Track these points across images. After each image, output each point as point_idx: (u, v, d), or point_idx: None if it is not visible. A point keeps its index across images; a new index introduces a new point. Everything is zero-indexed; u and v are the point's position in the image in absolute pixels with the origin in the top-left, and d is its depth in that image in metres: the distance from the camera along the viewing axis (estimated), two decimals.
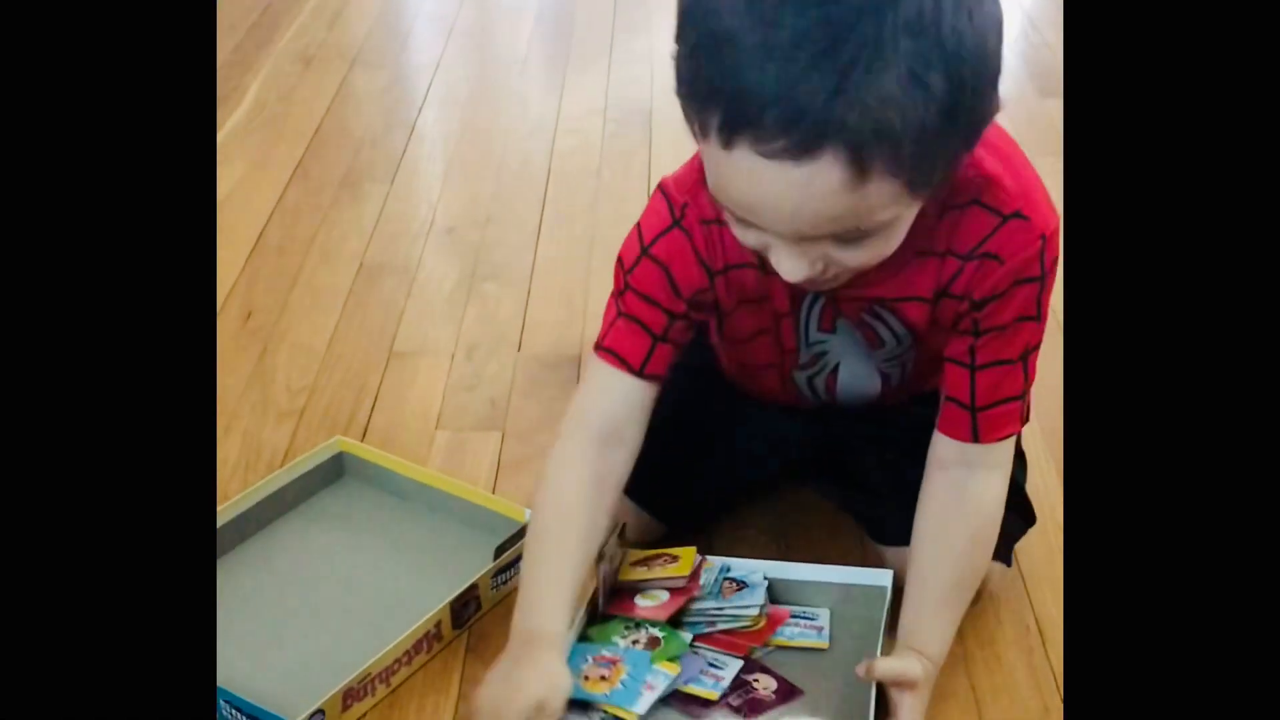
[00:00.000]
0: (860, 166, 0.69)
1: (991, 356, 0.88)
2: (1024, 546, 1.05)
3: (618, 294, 0.93)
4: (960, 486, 0.91)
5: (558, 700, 0.84)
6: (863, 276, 0.83)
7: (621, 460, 0.93)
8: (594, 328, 1.37)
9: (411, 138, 1.84)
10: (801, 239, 0.76)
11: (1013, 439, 0.92)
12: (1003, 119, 0.78)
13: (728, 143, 0.71)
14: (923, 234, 0.83)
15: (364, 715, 0.92)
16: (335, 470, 1.14)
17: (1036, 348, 0.89)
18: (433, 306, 1.43)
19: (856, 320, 0.93)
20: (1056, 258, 0.85)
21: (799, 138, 0.68)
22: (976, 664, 0.97)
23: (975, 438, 0.89)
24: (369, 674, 0.91)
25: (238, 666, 0.93)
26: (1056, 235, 0.85)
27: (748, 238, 0.80)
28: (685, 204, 0.88)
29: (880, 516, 1.04)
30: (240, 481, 1.15)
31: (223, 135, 1.82)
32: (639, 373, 0.91)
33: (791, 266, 0.78)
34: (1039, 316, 0.87)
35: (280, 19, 2.24)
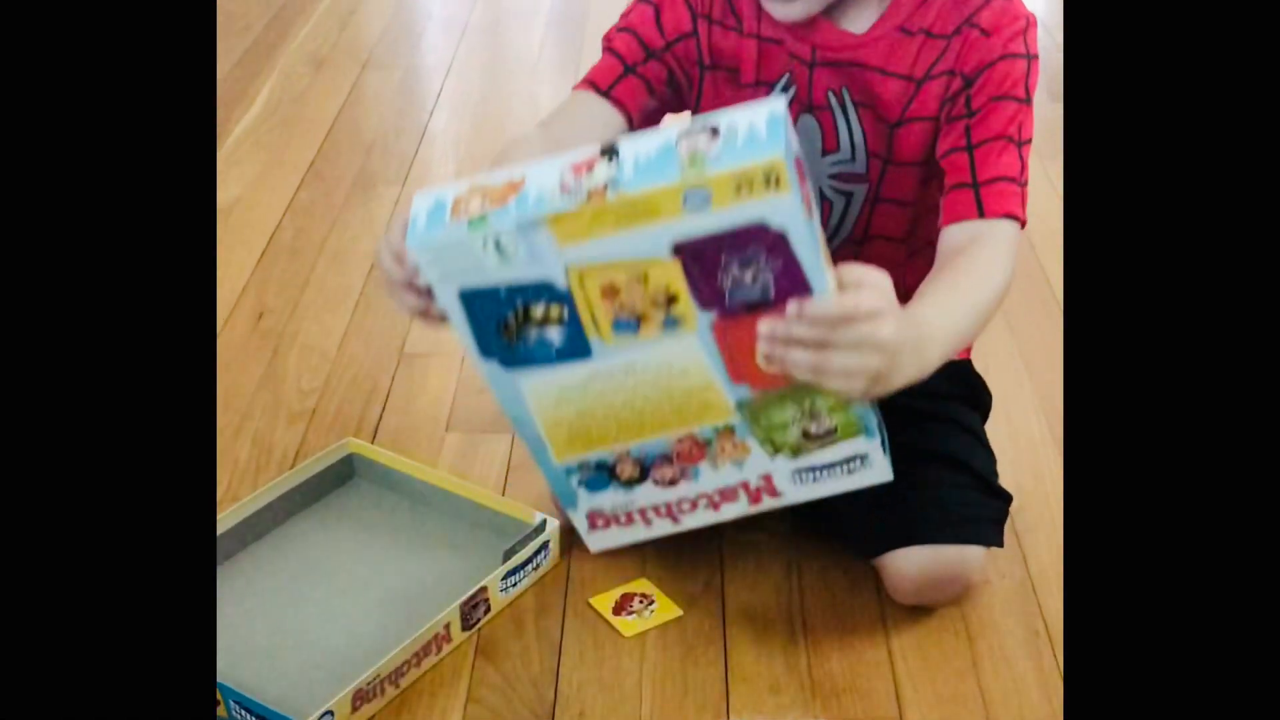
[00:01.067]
0: None
1: (986, 133, 0.89)
2: (1032, 550, 1.06)
3: (606, 39, 0.97)
4: (970, 255, 0.88)
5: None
6: (845, 37, 0.89)
7: None
8: None
9: (424, 139, 1.85)
10: None
11: (1015, 228, 0.89)
12: None
13: None
14: (908, 10, 0.89)
15: (373, 716, 0.92)
16: (346, 471, 1.14)
17: (1029, 141, 0.90)
18: None
19: (823, 104, 0.92)
20: (1037, 53, 0.90)
21: None
22: (985, 668, 0.96)
23: (980, 212, 0.88)
24: (379, 675, 0.91)
25: (248, 666, 0.94)
26: (1035, 25, 0.90)
27: None
28: None
29: (851, 527, 1.01)
30: (251, 483, 1.15)
31: (235, 136, 1.83)
32: (604, 93, 0.94)
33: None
34: (1028, 98, 0.89)
35: (293, 21, 2.25)
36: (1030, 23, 0.89)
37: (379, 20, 2.29)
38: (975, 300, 0.86)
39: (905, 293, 0.83)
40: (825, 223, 0.95)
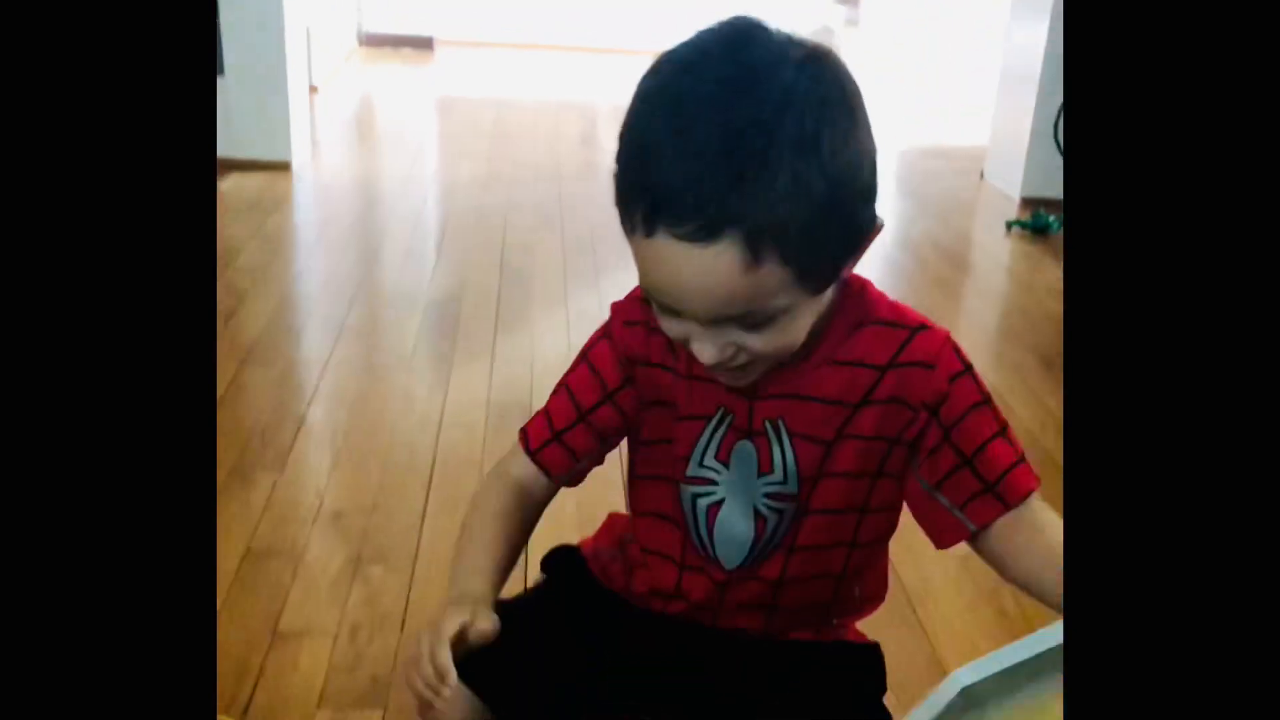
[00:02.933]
0: (755, 252, 0.85)
1: (977, 442, 0.98)
2: None
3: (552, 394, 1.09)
4: (1028, 525, 0.97)
5: (485, 621, 0.95)
6: (780, 376, 0.98)
7: (533, 510, 1.08)
8: None
9: (300, 430, 1.92)
10: (713, 322, 0.90)
11: (1037, 499, 0.99)
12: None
13: (649, 231, 0.86)
14: (834, 346, 0.99)
15: None
16: None
17: (1006, 428, 1.00)
18: (318, 589, 1.48)
19: (760, 430, 1.01)
20: (969, 361, 0.99)
21: (703, 223, 0.84)
22: None
23: (1005, 505, 0.98)
24: None
25: None
26: (951, 338, 1.00)
27: (671, 328, 0.93)
28: (615, 316, 1.06)
29: None
30: None
31: None
32: (531, 454, 1.06)
33: (706, 349, 0.92)
34: (988, 399, 0.99)
35: None
36: (949, 339, 1.00)
37: (260, 318, 2.40)
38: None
39: (840, 578, 1.03)
40: (759, 536, 1.04)
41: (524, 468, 1.09)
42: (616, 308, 1.07)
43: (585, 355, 1.08)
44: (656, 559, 1.08)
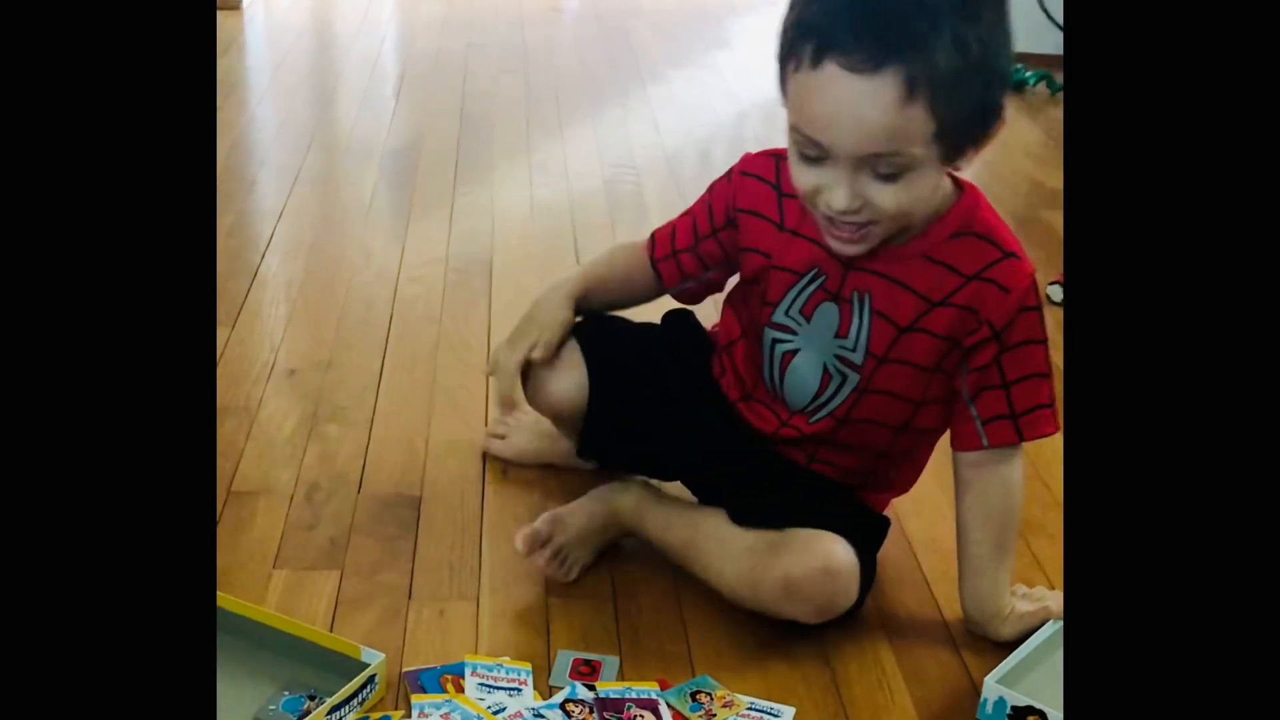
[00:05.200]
0: (909, 89, 0.94)
1: (1020, 373, 1.09)
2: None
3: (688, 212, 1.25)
4: (1001, 476, 1.13)
5: (541, 350, 1.19)
6: (878, 255, 1.07)
7: (641, 287, 1.29)
8: (435, 469, 1.42)
9: (254, 282, 1.87)
10: (855, 161, 0.98)
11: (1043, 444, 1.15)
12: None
13: (817, 61, 0.95)
14: (934, 247, 1.08)
15: None
16: None
17: (1049, 374, 1.11)
18: (273, 447, 1.45)
19: (847, 298, 1.11)
20: (1042, 302, 1.10)
21: (869, 54, 0.93)
22: None
23: (1020, 437, 1.11)
24: None
25: None
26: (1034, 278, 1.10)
27: (805, 178, 1.02)
28: (740, 163, 1.18)
29: (748, 498, 1.17)
30: None
31: None
32: (654, 262, 1.25)
33: (840, 194, 1.00)
34: (1044, 343, 1.10)
35: None
36: (1034, 278, 1.09)
37: None
38: (1006, 552, 1.17)
39: (881, 458, 1.18)
40: (822, 389, 1.15)
41: (647, 267, 1.25)
42: (746, 157, 1.19)
43: (712, 188, 1.20)
44: (732, 377, 1.19)
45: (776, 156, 1.13)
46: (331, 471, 1.41)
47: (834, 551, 1.10)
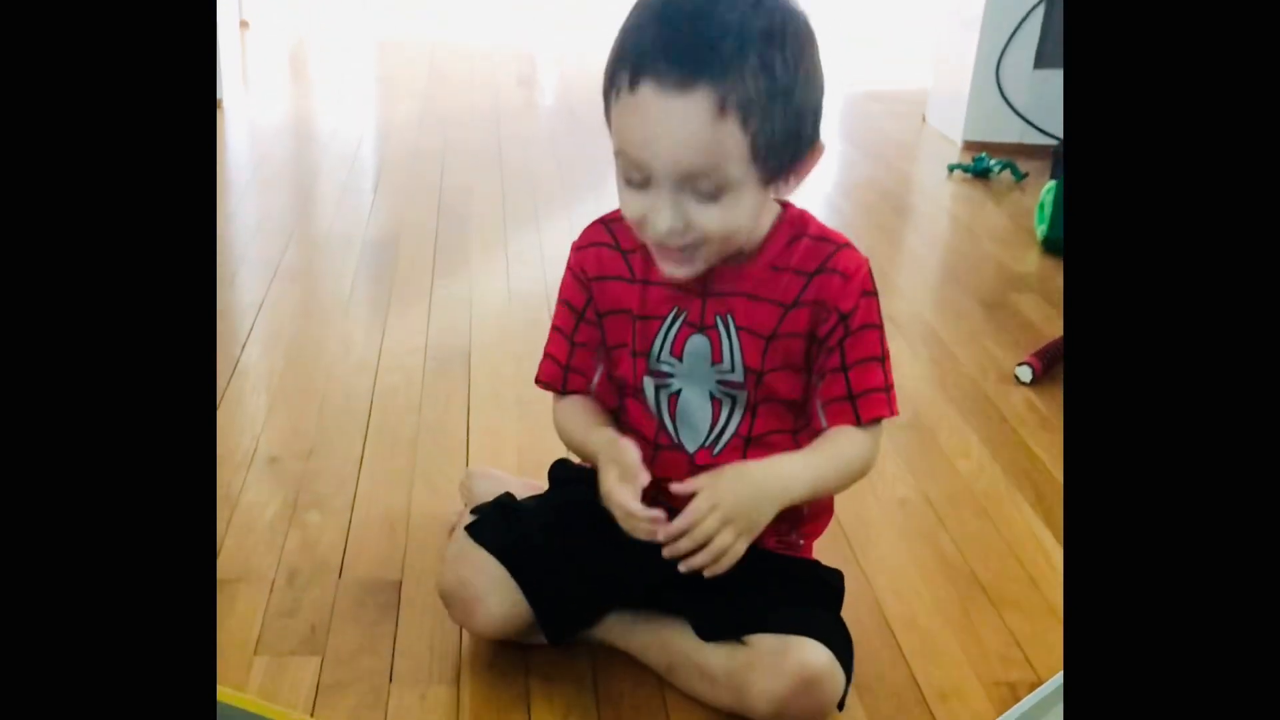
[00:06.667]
0: (720, 107, 0.98)
1: (857, 356, 1.14)
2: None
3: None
4: (844, 433, 1.16)
5: (628, 454, 1.12)
6: (728, 276, 1.12)
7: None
8: (416, 554, 1.43)
9: (235, 373, 1.89)
10: (676, 182, 1.02)
11: (879, 430, 1.17)
12: None
13: (634, 85, 1.00)
14: (777, 256, 1.13)
15: None
16: None
17: (886, 357, 1.16)
18: (254, 534, 1.46)
19: (712, 325, 1.15)
20: (874, 284, 1.15)
21: (680, 75, 0.98)
22: None
23: (857, 420, 1.15)
24: None
25: None
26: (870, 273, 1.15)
27: (633, 205, 1.06)
28: (572, 251, 1.22)
29: (709, 610, 1.18)
30: None
31: None
32: (562, 394, 1.26)
33: (664, 216, 1.04)
34: (881, 326, 1.15)
35: None
36: (868, 264, 1.15)
37: None
38: (819, 466, 1.15)
39: None
40: (716, 418, 1.20)
41: (564, 399, 1.25)
42: (574, 244, 1.22)
43: (561, 297, 1.23)
44: (636, 436, 1.20)
45: (604, 221, 1.19)
46: (312, 557, 1.42)
47: (809, 662, 1.12)
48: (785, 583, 1.20)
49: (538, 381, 1.26)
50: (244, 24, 4.49)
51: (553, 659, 1.24)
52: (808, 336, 1.15)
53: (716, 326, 1.16)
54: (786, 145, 1.04)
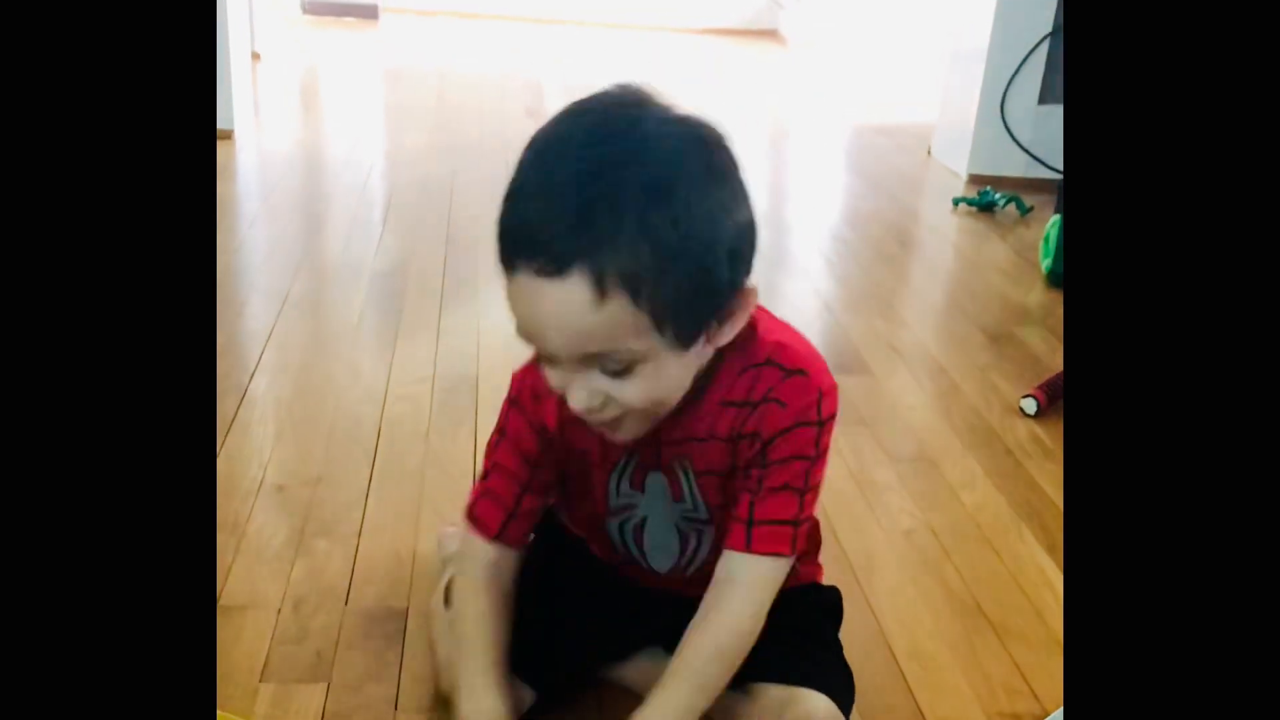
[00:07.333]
0: (601, 289, 0.87)
1: (773, 483, 1.04)
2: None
3: (487, 457, 1.16)
4: (722, 599, 1.06)
5: None
6: (678, 420, 1.03)
7: (510, 587, 1.16)
8: (423, 581, 1.43)
9: (243, 401, 1.90)
10: (580, 365, 0.93)
11: (779, 565, 1.06)
12: None
13: (511, 268, 0.90)
14: (725, 389, 1.04)
15: None
16: None
17: (815, 488, 1.06)
18: (261, 562, 1.47)
19: (669, 465, 1.08)
20: (833, 413, 1.04)
21: (551, 258, 0.87)
22: None
23: (748, 546, 1.05)
24: None
25: None
26: (833, 393, 1.04)
27: (552, 378, 0.97)
28: (522, 390, 1.12)
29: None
30: None
31: None
32: (495, 538, 1.14)
33: (577, 395, 0.95)
34: (817, 456, 1.04)
35: None
36: (824, 392, 1.03)
37: None
38: (699, 703, 1.05)
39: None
40: (684, 548, 1.15)
41: (489, 552, 1.15)
42: (520, 381, 1.13)
43: (504, 431, 1.14)
44: (598, 549, 1.16)
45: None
46: (319, 585, 1.42)
47: (813, 715, 1.10)
48: (785, 612, 1.18)
49: (471, 518, 1.15)
50: (256, 56, 4.53)
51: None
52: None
53: (674, 468, 1.09)
54: (696, 304, 0.92)
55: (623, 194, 0.85)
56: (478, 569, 1.15)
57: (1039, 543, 1.61)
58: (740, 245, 0.92)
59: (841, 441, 1.84)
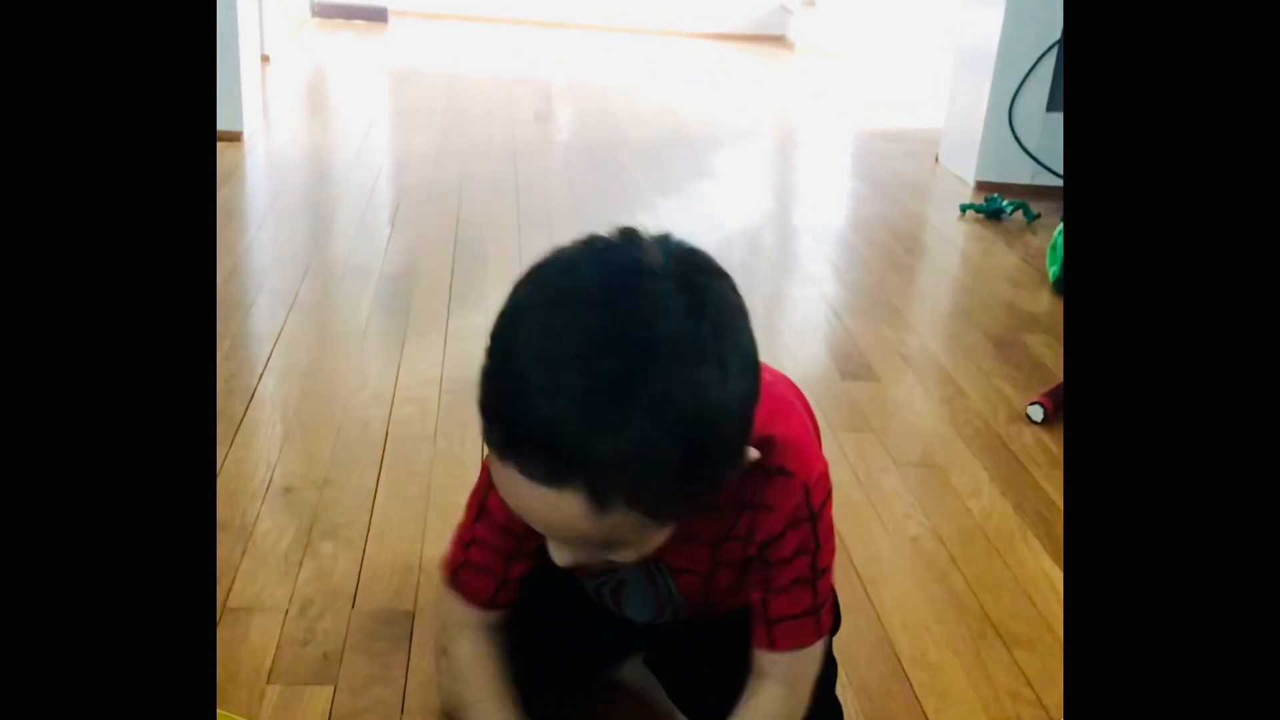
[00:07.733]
0: (600, 502, 0.82)
1: (781, 583, 1.04)
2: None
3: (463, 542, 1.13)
4: (757, 694, 1.06)
5: None
6: None
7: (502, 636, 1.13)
8: (429, 584, 1.44)
9: (251, 403, 1.90)
10: (573, 541, 0.91)
11: (808, 653, 1.06)
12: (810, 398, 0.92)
13: (501, 458, 0.85)
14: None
15: None
16: None
17: (825, 570, 1.05)
18: (268, 564, 1.47)
19: (647, 564, 1.06)
20: (825, 498, 1.02)
21: (548, 470, 0.82)
22: None
23: (771, 645, 1.05)
24: None
25: None
26: (821, 479, 1.02)
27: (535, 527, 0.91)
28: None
29: (692, 689, 1.18)
30: None
31: None
32: (485, 606, 1.12)
33: (563, 557, 0.93)
34: (817, 547, 1.03)
35: None
36: (812, 486, 1.00)
37: None
38: None
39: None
40: (659, 612, 1.14)
41: (481, 616, 1.12)
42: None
43: (484, 509, 1.10)
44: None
45: None
46: (326, 587, 1.43)
47: None
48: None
49: (457, 588, 1.12)
50: (265, 59, 4.54)
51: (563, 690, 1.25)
52: (742, 562, 1.06)
53: (649, 567, 1.09)
54: (699, 493, 0.89)
55: (627, 412, 0.79)
56: (475, 634, 1.12)
57: (1045, 550, 1.61)
58: (738, 428, 0.87)
59: (848, 447, 1.84)
